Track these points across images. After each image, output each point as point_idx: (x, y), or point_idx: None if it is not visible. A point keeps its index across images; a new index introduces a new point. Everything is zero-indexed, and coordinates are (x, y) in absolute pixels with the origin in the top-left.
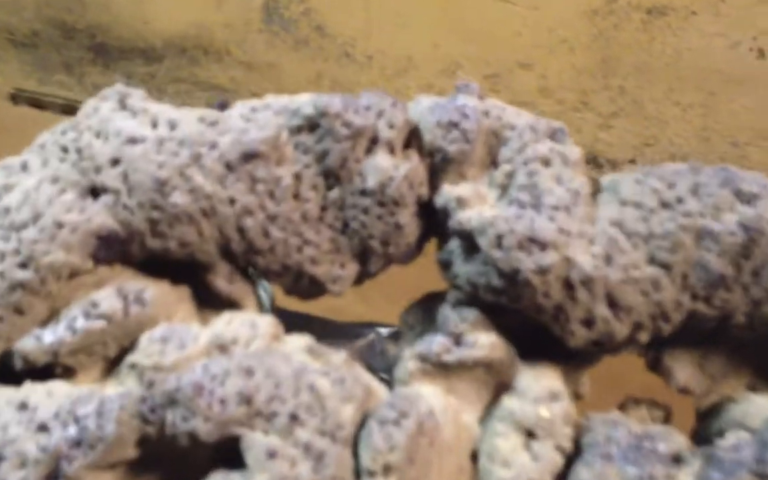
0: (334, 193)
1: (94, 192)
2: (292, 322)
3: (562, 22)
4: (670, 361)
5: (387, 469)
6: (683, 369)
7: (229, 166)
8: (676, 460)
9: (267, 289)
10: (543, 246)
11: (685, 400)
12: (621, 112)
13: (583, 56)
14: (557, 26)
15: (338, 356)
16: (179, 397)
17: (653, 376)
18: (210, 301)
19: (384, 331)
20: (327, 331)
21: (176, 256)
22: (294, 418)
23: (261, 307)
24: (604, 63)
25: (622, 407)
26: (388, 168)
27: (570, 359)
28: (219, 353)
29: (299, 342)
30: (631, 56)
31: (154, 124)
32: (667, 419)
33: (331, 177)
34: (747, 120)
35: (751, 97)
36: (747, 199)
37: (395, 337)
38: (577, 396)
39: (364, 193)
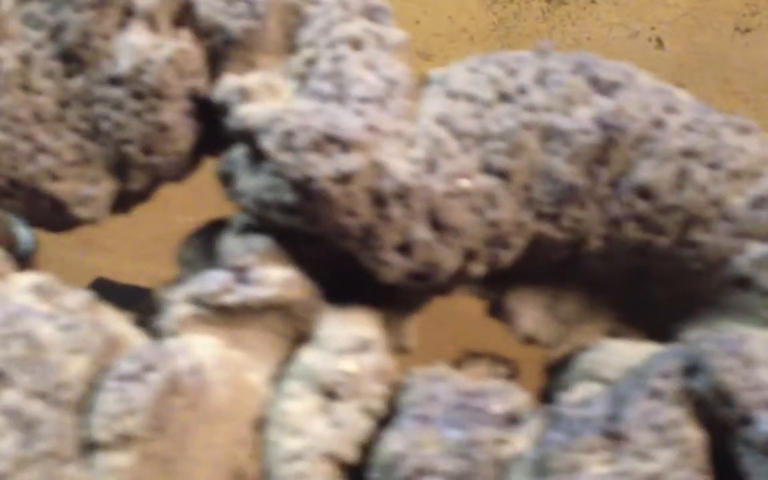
0: (77, 83)
1: None
2: None
3: (462, 10)
4: (514, 302)
5: (125, 439)
6: (530, 313)
7: None
8: (512, 420)
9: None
10: (345, 146)
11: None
12: None
13: (483, 45)
14: (457, 15)
15: (78, 297)
16: None
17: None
18: None
19: None
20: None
21: None
22: None
23: (16, 249)
24: (504, 52)
25: (458, 363)
26: (146, 47)
27: (392, 303)
28: None
29: (26, 280)
30: (531, 46)
31: None
32: (512, 376)
33: (72, 60)
34: None
35: None
36: (605, 88)
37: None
38: (401, 349)
39: (115, 81)
